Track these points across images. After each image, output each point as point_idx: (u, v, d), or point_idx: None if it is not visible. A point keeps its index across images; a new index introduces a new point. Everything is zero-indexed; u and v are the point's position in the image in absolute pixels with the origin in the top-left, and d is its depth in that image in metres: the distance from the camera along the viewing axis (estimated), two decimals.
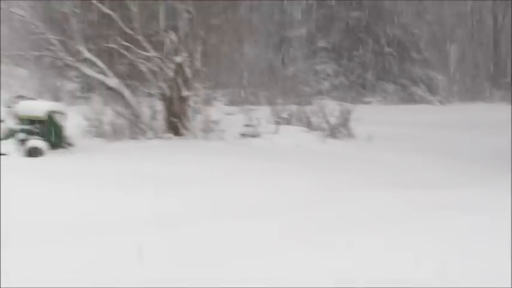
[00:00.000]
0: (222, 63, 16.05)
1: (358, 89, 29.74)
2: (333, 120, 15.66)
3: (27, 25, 15.47)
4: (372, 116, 17.77)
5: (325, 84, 29.81)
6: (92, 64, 15.13)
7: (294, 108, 16.97)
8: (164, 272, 5.64)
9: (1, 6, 15.78)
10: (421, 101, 30.34)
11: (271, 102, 17.61)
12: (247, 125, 15.55)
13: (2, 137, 12.88)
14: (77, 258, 5.99)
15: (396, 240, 6.39)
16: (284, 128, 15.77)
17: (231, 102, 18.64)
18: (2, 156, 12.05)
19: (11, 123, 12.96)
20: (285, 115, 16.81)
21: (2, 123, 13.19)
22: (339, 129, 15.52)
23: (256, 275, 5.44)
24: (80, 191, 9.19)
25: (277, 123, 16.24)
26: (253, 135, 15.03)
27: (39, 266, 5.74)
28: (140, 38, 14.66)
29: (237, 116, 16.34)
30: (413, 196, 8.74)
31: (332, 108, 16.05)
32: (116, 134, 14.67)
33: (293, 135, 15.06)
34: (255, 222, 7.37)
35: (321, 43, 31.02)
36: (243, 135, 15.13)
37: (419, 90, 31.23)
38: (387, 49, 31.00)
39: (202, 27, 14.91)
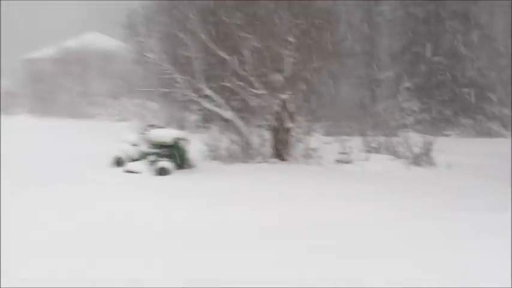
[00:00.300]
0: (321, 100, 15.94)
1: (439, 123, 29.05)
2: (416, 150, 15.42)
3: (158, 67, 15.91)
4: (451, 148, 17.41)
5: (410, 119, 29.39)
6: (211, 99, 15.53)
7: (382, 139, 16.77)
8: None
9: (136, 49, 16.33)
10: (496, 135, 29.33)
11: (362, 134, 17.47)
12: (341, 153, 15.51)
13: (135, 158, 13.61)
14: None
15: (474, 255, 6.56)
16: (373, 156, 15.68)
17: (328, 133, 18.45)
18: (136, 174, 12.75)
19: (144, 147, 13.70)
20: (374, 145, 16.65)
21: (136, 147, 13.92)
22: (421, 158, 15.24)
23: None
24: (202, 203, 9.72)
25: (368, 151, 16.20)
26: (347, 162, 15.02)
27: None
28: (252, 78, 14.90)
29: (333, 145, 16.21)
30: (485, 218, 8.73)
31: (416, 139, 15.80)
32: (230, 157, 14.97)
33: (381, 162, 14.95)
34: (351, 235, 7.60)
35: (407, 83, 30.69)
36: (338, 161, 15.14)
37: (494, 125, 30.26)
38: (465, 89, 30.36)
39: (304, 69, 15.07)
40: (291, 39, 14.53)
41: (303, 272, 5.96)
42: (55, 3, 65.70)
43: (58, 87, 30.24)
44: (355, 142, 16.82)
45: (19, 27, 51.01)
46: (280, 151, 15.00)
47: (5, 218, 8.13)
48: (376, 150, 16.55)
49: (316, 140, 15.92)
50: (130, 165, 13.17)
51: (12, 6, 53.49)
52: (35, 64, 35.44)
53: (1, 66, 37.40)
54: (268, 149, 15.29)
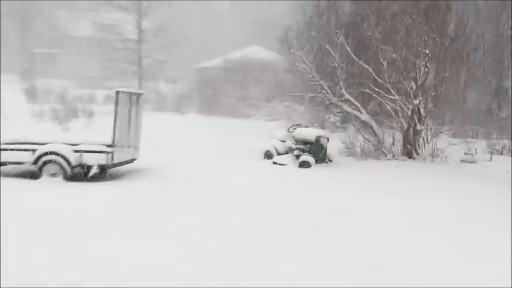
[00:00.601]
0: (449, 105, 15.47)
1: None
2: None
3: (306, 75, 16.18)
4: None
5: None
6: (350, 103, 15.67)
7: (506, 142, 16.11)
8: None
9: (290, 61, 16.84)
10: None
11: (487, 137, 16.81)
12: (466, 153, 15.09)
13: (282, 152, 14.07)
14: None
15: None
16: (496, 158, 15.13)
17: (454, 136, 17.95)
18: (282, 165, 13.23)
19: (290, 143, 14.16)
20: (498, 147, 16.09)
21: (284, 143, 14.38)
22: None
23: None
24: (337, 192, 10.08)
25: (491, 153, 15.66)
26: (471, 162, 14.58)
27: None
28: (388, 85, 14.85)
29: (458, 146, 15.87)
30: None
31: None
32: (364, 154, 15.05)
33: (503, 163, 14.36)
34: (482, 226, 7.56)
35: None
36: (462, 161, 14.71)
37: None
38: None
39: (435, 78, 14.77)
40: (426, 50, 14.30)
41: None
42: (223, 23, 68.87)
43: (222, 92, 31.66)
44: (480, 144, 16.25)
45: (194, 43, 54.23)
46: (410, 150, 14.80)
47: (183, 200, 8.95)
48: (500, 152, 15.92)
49: (443, 142, 15.54)
50: (278, 158, 13.65)
51: (189, 25, 56.99)
52: (204, 72, 37.53)
53: (178, 73, 40.03)
54: (398, 148, 15.16)
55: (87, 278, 5.13)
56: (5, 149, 10.65)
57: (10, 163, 10.73)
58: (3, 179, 10.13)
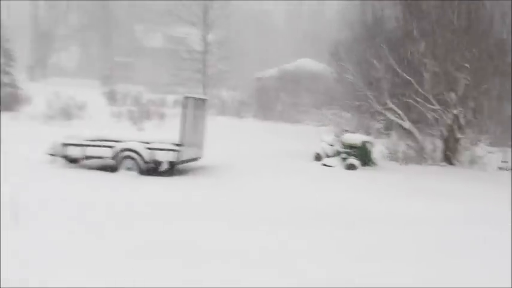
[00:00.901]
0: (488, 116, 14.99)
1: None
2: None
3: (353, 85, 16.14)
4: None
5: None
6: (394, 112, 15.42)
7: None
8: None
9: (338, 72, 16.65)
10: None
11: None
12: (504, 161, 14.58)
13: (330, 155, 13.94)
14: None
15: None
16: None
17: (492, 144, 17.36)
18: (330, 167, 13.11)
19: (338, 147, 14.01)
20: None
21: (332, 146, 14.24)
22: None
23: None
24: (379, 193, 9.93)
25: None
26: (508, 169, 14.08)
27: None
28: (429, 95, 14.56)
29: (496, 154, 15.29)
30: None
31: None
32: (405, 159, 14.73)
33: None
34: None
35: None
36: (500, 168, 14.25)
37: None
38: None
39: (474, 90, 14.37)
40: (466, 64, 13.89)
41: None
42: (278, 38, 68.93)
43: (276, 99, 31.72)
44: None
45: (253, 55, 54.55)
46: (449, 156, 14.44)
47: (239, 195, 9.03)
48: None
49: (482, 149, 15.08)
50: (326, 160, 13.57)
51: (248, 39, 57.34)
52: (261, 81, 37.66)
53: (238, 82, 40.33)
54: (438, 154, 14.81)
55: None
56: (89, 145, 11.01)
57: (92, 157, 11.06)
58: (88, 171, 10.49)
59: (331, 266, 5.33)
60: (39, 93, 26.67)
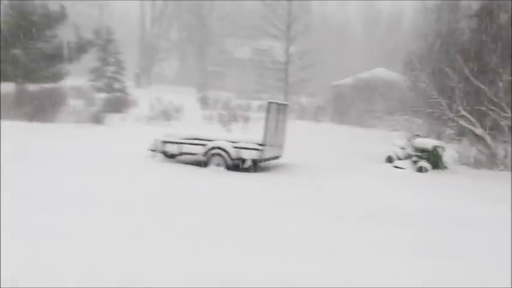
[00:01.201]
0: None
1: None
2: None
3: (426, 93, 15.53)
4: None
5: None
6: (466, 119, 14.63)
7: None
8: None
9: (412, 80, 16.02)
10: None
11: None
12: None
13: (402, 158, 13.48)
14: None
15: None
16: None
17: None
18: (402, 169, 12.67)
19: (409, 151, 13.50)
20: None
21: (404, 150, 13.77)
22: None
23: None
24: (461, 196, 9.47)
25: None
26: None
27: None
28: (502, 103, 13.75)
29: None
30: None
31: None
32: (476, 164, 13.99)
33: None
34: None
35: None
36: None
37: None
38: None
39: None
40: None
41: None
42: (355, 48, 67.75)
43: (351, 105, 31.27)
44: None
45: (331, 64, 54.08)
46: None
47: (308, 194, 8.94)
48: None
49: None
50: (398, 163, 13.14)
51: (327, 50, 56.85)
52: (338, 88, 37.17)
53: (316, 89, 40.12)
54: (510, 160, 13.82)
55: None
56: (184, 143, 11.41)
57: (187, 154, 11.43)
58: (184, 166, 10.89)
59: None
60: (144, 97, 28.12)
